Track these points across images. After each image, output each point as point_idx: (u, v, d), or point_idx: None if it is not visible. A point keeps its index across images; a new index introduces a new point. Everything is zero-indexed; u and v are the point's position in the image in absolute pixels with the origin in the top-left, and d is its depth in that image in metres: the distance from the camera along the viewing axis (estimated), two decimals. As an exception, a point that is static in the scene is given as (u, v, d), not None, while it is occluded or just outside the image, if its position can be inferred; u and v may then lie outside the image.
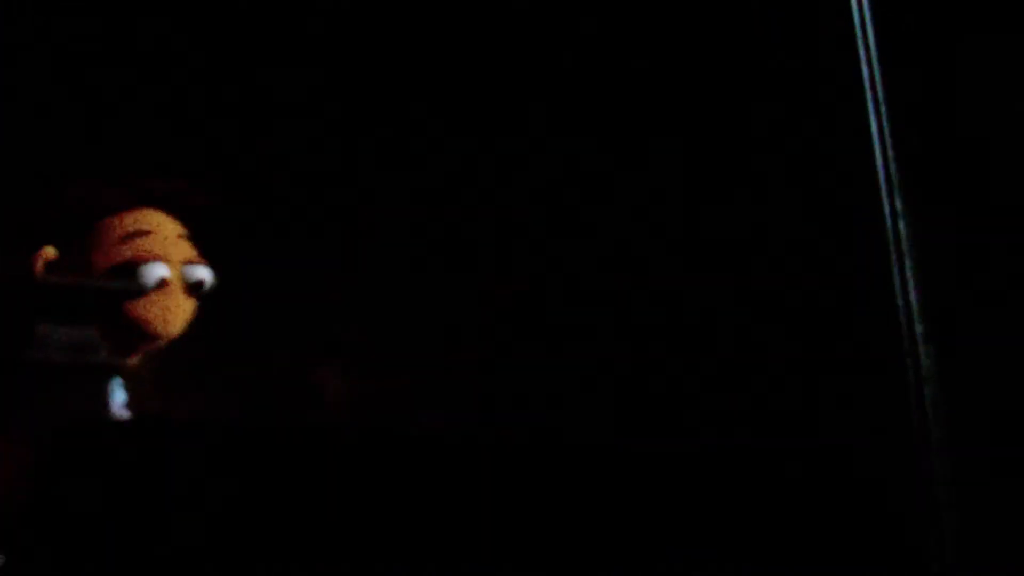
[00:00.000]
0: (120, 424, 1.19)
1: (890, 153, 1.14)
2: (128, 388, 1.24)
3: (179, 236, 1.28)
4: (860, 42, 1.16)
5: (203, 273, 1.26)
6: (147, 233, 1.27)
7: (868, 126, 1.15)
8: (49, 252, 1.24)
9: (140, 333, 1.24)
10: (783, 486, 1.04)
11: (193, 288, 1.25)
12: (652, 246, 1.15)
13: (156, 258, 1.25)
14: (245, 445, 0.98)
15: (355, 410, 1.20)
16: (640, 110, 1.20)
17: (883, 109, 1.15)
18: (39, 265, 1.23)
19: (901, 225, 1.13)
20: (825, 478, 1.05)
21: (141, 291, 1.25)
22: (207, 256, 1.27)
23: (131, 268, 1.24)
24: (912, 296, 1.11)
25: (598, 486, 0.97)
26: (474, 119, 1.25)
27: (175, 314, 1.26)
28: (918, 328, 1.11)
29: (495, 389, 1.17)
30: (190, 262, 1.26)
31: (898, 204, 1.13)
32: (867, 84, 1.16)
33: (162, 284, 1.23)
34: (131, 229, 1.27)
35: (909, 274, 1.12)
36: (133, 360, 1.24)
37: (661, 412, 1.12)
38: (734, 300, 1.12)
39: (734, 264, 1.14)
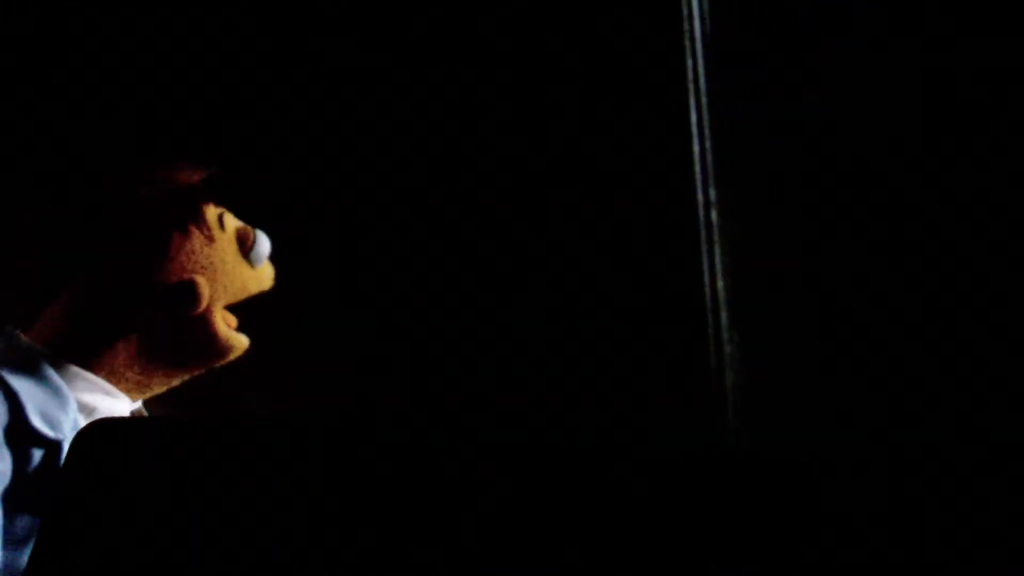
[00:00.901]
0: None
1: (707, 144, 1.16)
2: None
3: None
4: (686, 33, 1.19)
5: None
6: (224, 212, 1.29)
7: (687, 116, 1.18)
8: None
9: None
10: (586, 464, 1.09)
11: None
12: (466, 233, 1.22)
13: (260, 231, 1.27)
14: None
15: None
16: (454, 93, 1.26)
17: (704, 100, 1.18)
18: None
19: (713, 214, 1.16)
20: (631, 461, 1.10)
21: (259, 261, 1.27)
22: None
23: (245, 242, 1.26)
24: (719, 284, 1.14)
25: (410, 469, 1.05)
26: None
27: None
28: (723, 316, 1.14)
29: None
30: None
31: (712, 194, 1.16)
32: (689, 75, 1.19)
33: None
34: (218, 214, 1.27)
35: (717, 262, 1.14)
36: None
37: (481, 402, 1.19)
38: (546, 283, 1.18)
39: (547, 246, 1.19)
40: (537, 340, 1.17)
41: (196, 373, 1.22)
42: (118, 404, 1.18)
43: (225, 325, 1.21)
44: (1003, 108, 1.07)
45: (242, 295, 1.22)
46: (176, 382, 1.22)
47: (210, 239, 1.21)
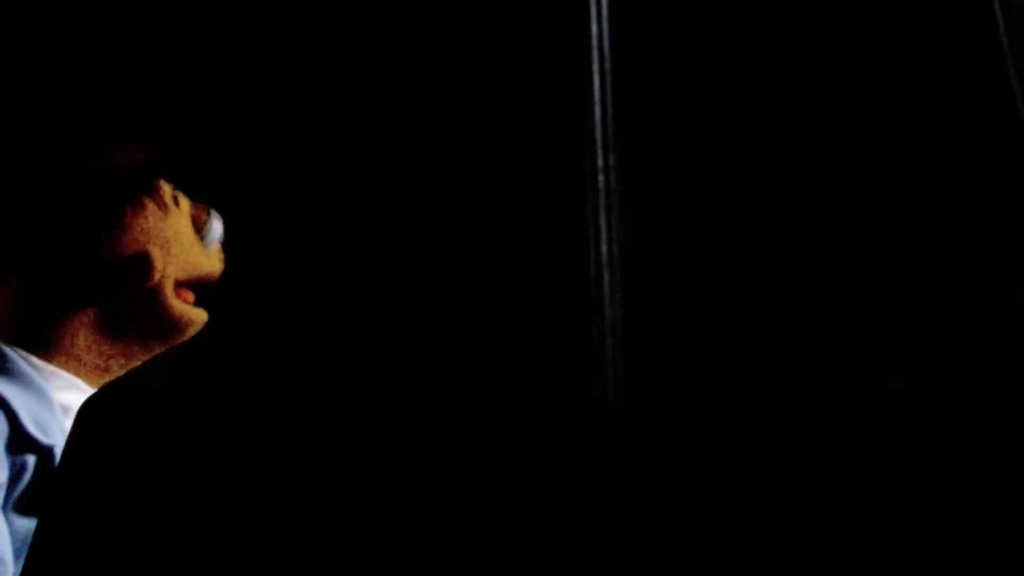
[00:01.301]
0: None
1: (609, 110, 1.19)
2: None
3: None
4: (592, 4, 1.21)
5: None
6: (179, 193, 1.28)
7: (590, 82, 1.20)
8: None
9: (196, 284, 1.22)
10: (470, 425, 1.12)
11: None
12: (364, 201, 1.24)
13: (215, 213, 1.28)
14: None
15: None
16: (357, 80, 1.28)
17: (608, 66, 1.20)
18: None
19: (611, 179, 1.18)
20: (511, 415, 1.13)
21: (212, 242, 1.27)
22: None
23: (199, 221, 1.26)
24: (604, 248, 1.17)
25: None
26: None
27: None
28: (606, 278, 1.16)
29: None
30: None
31: (611, 159, 1.18)
32: (593, 41, 1.21)
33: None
34: (172, 192, 1.27)
35: (608, 226, 1.17)
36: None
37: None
38: (434, 242, 1.20)
39: (438, 204, 1.21)
40: (424, 296, 1.20)
41: (156, 351, 1.22)
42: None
43: (180, 299, 1.21)
44: (899, 74, 1.08)
45: (195, 272, 1.22)
46: (135, 363, 1.21)
47: (164, 213, 1.21)
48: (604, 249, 1.17)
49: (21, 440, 1.06)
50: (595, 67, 1.20)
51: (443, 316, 1.17)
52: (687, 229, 1.14)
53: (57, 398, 1.13)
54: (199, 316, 1.23)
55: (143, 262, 1.17)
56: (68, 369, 1.16)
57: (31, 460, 1.06)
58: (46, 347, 1.15)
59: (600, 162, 1.18)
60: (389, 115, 1.24)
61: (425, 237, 1.21)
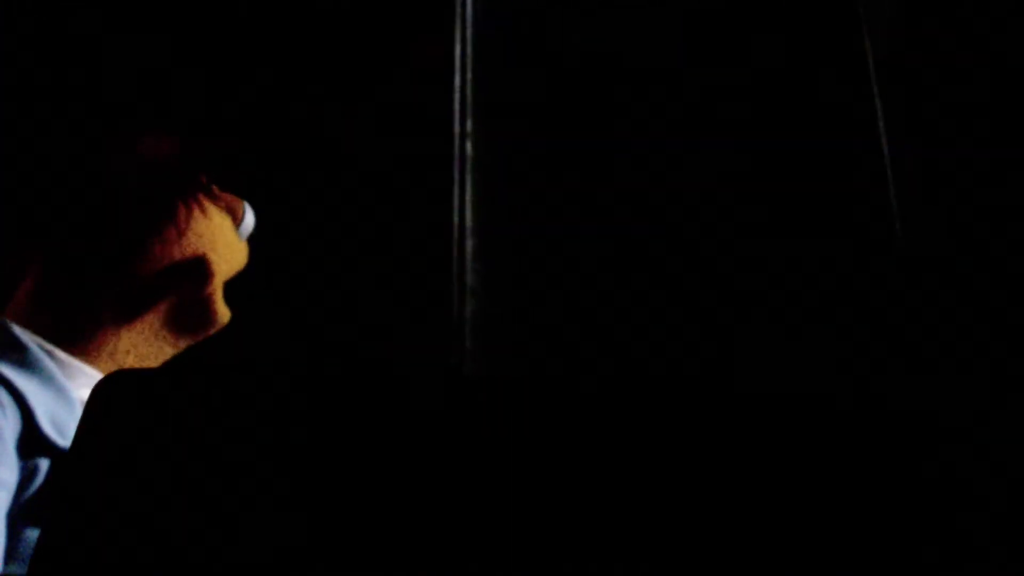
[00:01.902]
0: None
1: (468, 76, 1.18)
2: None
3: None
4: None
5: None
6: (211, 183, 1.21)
7: (452, 48, 1.19)
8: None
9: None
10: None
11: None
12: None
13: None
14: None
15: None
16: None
17: (468, 32, 1.19)
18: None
19: (468, 145, 1.17)
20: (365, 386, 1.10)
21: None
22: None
23: (235, 214, 1.18)
24: (467, 214, 1.15)
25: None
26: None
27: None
28: (469, 244, 1.15)
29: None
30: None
31: (469, 125, 1.17)
32: (457, 8, 1.20)
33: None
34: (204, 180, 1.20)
35: (468, 192, 1.16)
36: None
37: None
38: (296, 210, 1.17)
39: (299, 170, 1.18)
40: (279, 265, 1.17)
41: (183, 348, 1.17)
42: None
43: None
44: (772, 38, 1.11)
45: (236, 269, 1.17)
46: (160, 362, 1.15)
47: (206, 213, 1.14)
48: (459, 218, 1.15)
49: (36, 440, 1.00)
50: (457, 33, 1.19)
51: (306, 287, 1.13)
52: (546, 197, 1.14)
53: (79, 396, 1.06)
54: (228, 316, 1.19)
55: (201, 268, 1.12)
56: (100, 368, 1.09)
57: (44, 464, 1.00)
58: (81, 345, 1.08)
59: (457, 128, 1.17)
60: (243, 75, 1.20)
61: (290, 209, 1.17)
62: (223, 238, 1.16)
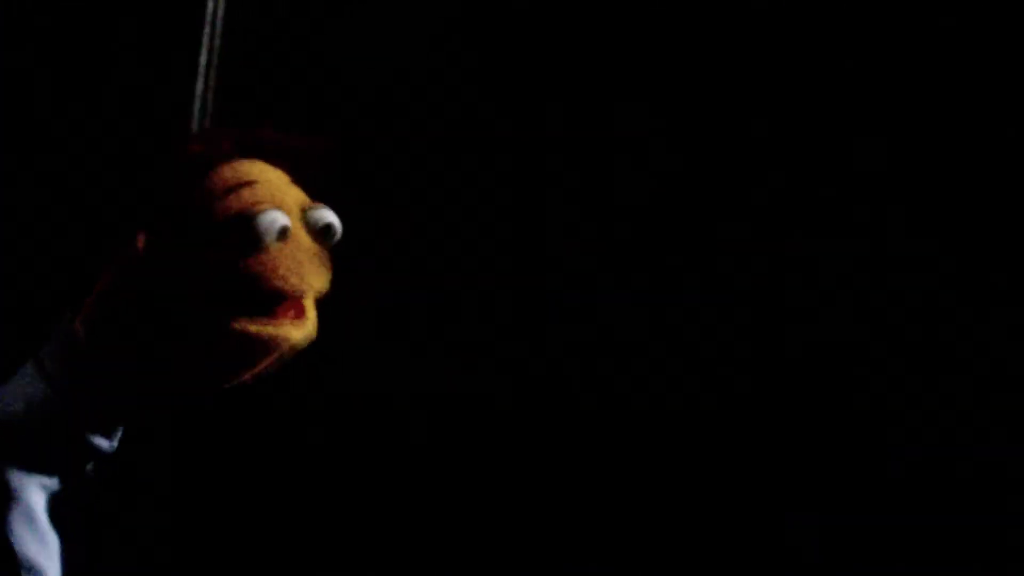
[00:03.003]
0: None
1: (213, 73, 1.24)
2: None
3: (288, 183, 1.08)
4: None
5: (330, 216, 1.06)
6: (252, 183, 1.06)
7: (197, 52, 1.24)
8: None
9: (270, 295, 1.03)
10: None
11: (322, 235, 1.05)
12: None
13: (270, 205, 1.04)
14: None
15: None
16: None
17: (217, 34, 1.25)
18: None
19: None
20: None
21: (259, 246, 1.03)
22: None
23: (242, 223, 1.03)
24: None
25: None
26: None
27: (310, 266, 1.05)
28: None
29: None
30: (310, 207, 1.06)
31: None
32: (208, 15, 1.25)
33: (284, 233, 1.01)
34: (232, 182, 1.06)
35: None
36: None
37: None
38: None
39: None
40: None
41: None
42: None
43: None
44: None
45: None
46: None
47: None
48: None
49: (79, 444, 0.98)
50: (204, 38, 1.24)
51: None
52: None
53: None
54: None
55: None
56: None
57: (87, 468, 1.00)
58: None
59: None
60: None
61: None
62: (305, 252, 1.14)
